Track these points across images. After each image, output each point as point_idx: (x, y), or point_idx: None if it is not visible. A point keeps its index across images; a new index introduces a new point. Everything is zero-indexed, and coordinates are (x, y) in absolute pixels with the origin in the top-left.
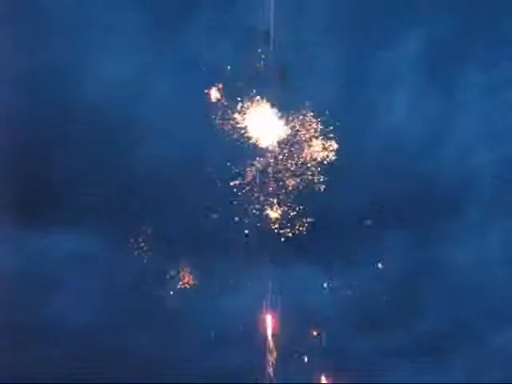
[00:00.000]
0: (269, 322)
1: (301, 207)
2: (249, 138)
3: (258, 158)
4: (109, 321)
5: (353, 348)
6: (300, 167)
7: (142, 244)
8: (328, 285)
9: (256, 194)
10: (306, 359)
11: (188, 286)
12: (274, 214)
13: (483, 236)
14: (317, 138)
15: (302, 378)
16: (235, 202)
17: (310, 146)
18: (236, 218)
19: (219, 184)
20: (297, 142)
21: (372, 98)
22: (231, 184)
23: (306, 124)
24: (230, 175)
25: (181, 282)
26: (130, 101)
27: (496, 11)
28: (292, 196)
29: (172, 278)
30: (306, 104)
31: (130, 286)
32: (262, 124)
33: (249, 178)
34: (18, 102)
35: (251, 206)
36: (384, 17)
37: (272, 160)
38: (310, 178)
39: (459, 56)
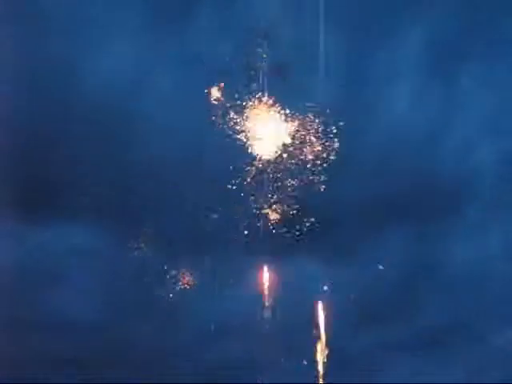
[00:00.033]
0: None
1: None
2: (249, 138)
3: (258, 159)
4: (110, 315)
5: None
6: (300, 167)
7: (142, 243)
8: (328, 285)
9: (256, 194)
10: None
11: (188, 287)
12: (273, 214)
13: (484, 234)
14: (317, 137)
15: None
16: (235, 202)
17: (310, 145)
18: (236, 218)
19: (219, 184)
20: (297, 142)
21: (373, 96)
22: (231, 184)
23: (307, 124)
24: (230, 175)
25: (180, 283)
26: (132, 101)
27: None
28: (292, 196)
29: (172, 277)
30: (307, 104)
31: (130, 280)
32: (262, 124)
33: (249, 178)
34: (19, 99)
35: (251, 206)
36: (384, 16)
37: (272, 160)
38: (310, 177)
39: (460, 53)
